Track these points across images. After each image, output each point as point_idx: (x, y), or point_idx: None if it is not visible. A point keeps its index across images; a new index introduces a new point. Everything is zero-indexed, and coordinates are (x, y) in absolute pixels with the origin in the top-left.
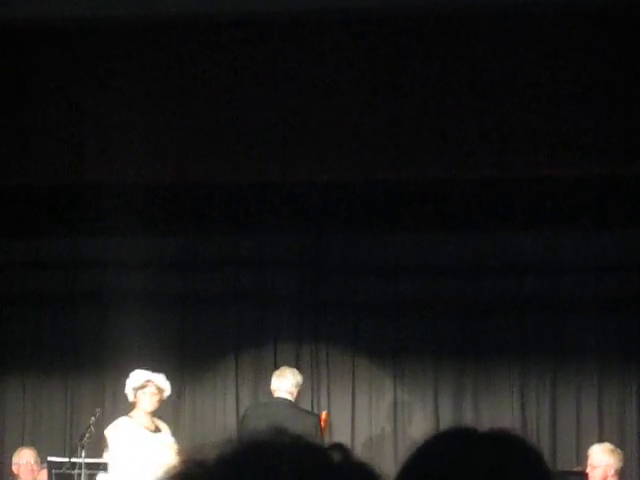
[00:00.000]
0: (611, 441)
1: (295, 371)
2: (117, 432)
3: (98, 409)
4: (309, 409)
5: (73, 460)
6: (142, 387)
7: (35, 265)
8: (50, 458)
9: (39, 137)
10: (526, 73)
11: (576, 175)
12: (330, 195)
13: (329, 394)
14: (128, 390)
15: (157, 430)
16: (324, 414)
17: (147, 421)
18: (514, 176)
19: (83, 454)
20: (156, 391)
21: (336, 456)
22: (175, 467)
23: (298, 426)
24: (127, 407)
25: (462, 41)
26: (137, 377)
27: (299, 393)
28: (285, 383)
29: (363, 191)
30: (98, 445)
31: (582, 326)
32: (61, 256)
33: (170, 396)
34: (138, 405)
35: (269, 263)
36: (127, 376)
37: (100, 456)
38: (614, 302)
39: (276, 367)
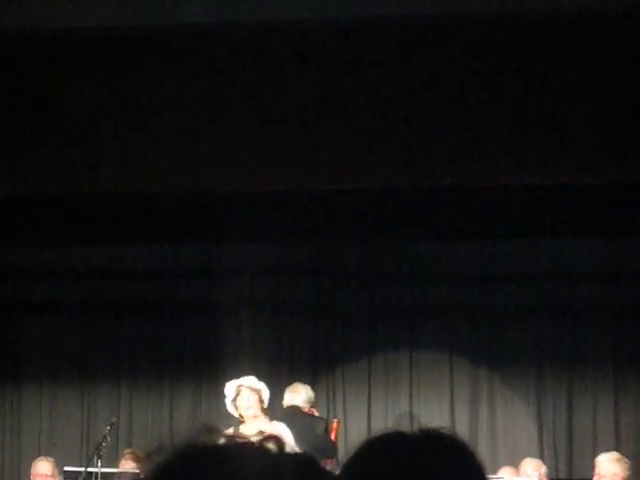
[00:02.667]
0: (627, 448)
1: (307, 387)
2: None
3: (114, 418)
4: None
5: (89, 470)
6: (237, 395)
7: (52, 274)
8: (66, 468)
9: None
10: (538, 78)
11: (593, 182)
12: (345, 203)
13: (345, 402)
14: (229, 406)
15: (260, 435)
16: (335, 422)
17: (250, 429)
18: (530, 184)
19: (99, 463)
20: (250, 392)
21: (272, 448)
22: None
23: (309, 429)
24: (142, 416)
25: (470, 47)
26: (229, 388)
27: (311, 409)
28: (297, 399)
29: (378, 199)
30: (114, 455)
31: (598, 333)
32: (76, 265)
33: None
34: (241, 414)
35: (285, 271)
36: (142, 385)
37: (116, 466)
38: (630, 309)
39: (292, 377)
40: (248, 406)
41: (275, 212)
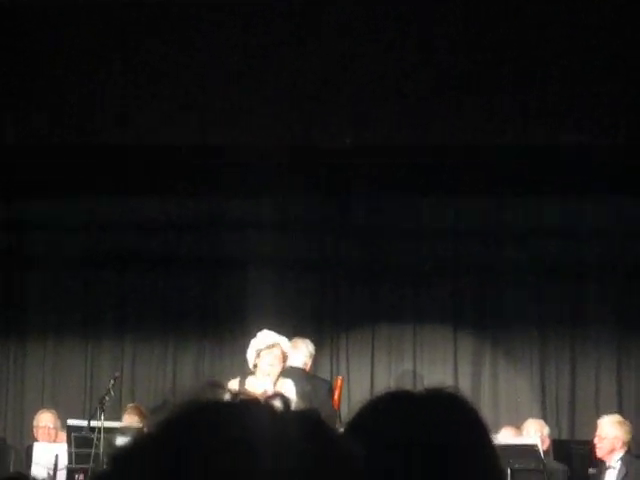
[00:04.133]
0: (629, 410)
1: (307, 341)
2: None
3: (117, 372)
4: (327, 376)
5: (92, 424)
6: (269, 347)
7: (57, 226)
8: (69, 421)
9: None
10: (550, 44)
11: (600, 142)
12: (352, 159)
13: (348, 361)
14: (251, 351)
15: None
16: (339, 379)
17: (260, 384)
18: (537, 143)
19: (102, 417)
20: (281, 356)
21: (278, 406)
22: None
23: (311, 392)
24: (145, 371)
25: (484, 14)
26: (265, 337)
27: (314, 362)
28: (298, 354)
29: (385, 155)
30: (117, 409)
31: (602, 295)
32: (81, 218)
33: None
34: (258, 367)
35: (291, 226)
36: (146, 340)
37: (119, 420)
38: (634, 271)
39: (295, 334)
40: (272, 366)
41: (282, 167)
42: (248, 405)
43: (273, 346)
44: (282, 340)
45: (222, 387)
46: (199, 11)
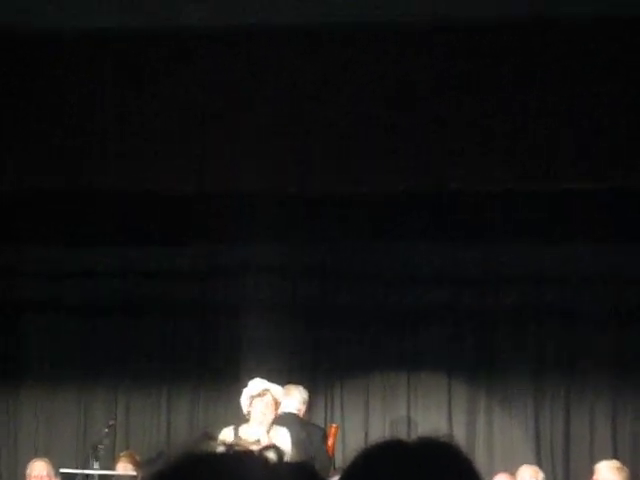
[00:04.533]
0: (624, 458)
1: (301, 388)
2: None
3: (112, 420)
4: (322, 424)
5: (86, 472)
6: (259, 395)
7: (52, 275)
8: (63, 470)
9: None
10: (540, 84)
11: (595, 187)
12: (341, 207)
13: (342, 409)
14: (244, 399)
15: (259, 443)
16: (334, 427)
17: (254, 432)
18: (532, 188)
19: (96, 466)
20: (272, 402)
21: (272, 458)
22: None
23: (306, 439)
24: (139, 419)
25: (470, 52)
26: (256, 385)
27: (308, 410)
28: (292, 400)
29: (375, 202)
30: (111, 457)
31: (597, 341)
32: (76, 266)
33: None
34: (251, 415)
35: (285, 273)
36: (140, 388)
37: (113, 468)
38: (630, 317)
39: (290, 382)
40: (263, 414)
41: (275, 214)
42: (242, 457)
43: (264, 393)
44: (273, 387)
45: (215, 439)
46: (194, 51)
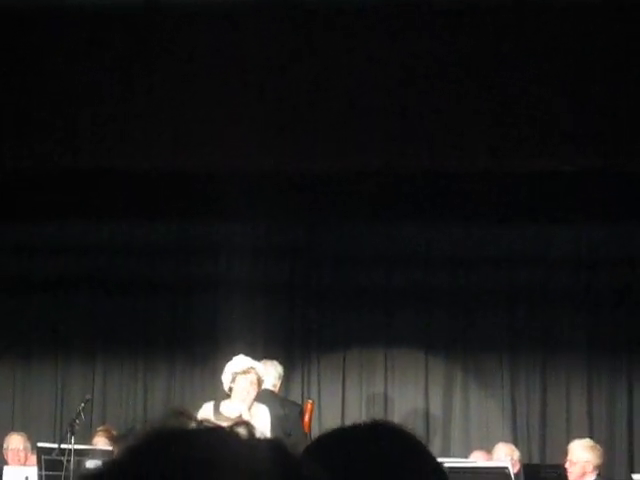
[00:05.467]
0: (600, 435)
1: (275, 363)
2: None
3: (88, 395)
4: (299, 399)
5: (62, 446)
6: (244, 372)
7: (27, 248)
8: (39, 444)
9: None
10: (523, 65)
11: (569, 169)
12: (322, 186)
13: (319, 385)
14: (226, 375)
15: (240, 419)
16: (310, 403)
17: (235, 409)
18: (506, 169)
19: (72, 440)
20: (256, 381)
21: (243, 433)
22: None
23: (282, 416)
24: (116, 393)
25: (459, 32)
26: (241, 362)
27: (285, 386)
28: (267, 376)
29: (355, 182)
30: (88, 431)
31: (572, 320)
32: (52, 240)
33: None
34: (233, 391)
35: (263, 251)
36: (117, 363)
37: (90, 442)
38: (604, 296)
39: (267, 358)
40: (247, 392)
41: (255, 192)
42: (213, 433)
43: (249, 371)
44: (258, 365)
45: (188, 415)
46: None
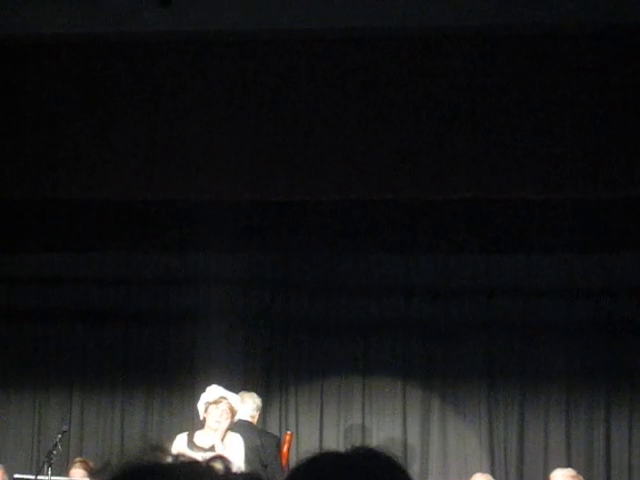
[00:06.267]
0: (578, 466)
1: (254, 395)
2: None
3: (65, 426)
4: (277, 430)
5: (39, 478)
6: (215, 402)
7: (5, 280)
8: (16, 475)
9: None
10: (513, 94)
11: (552, 198)
12: (300, 216)
13: (297, 415)
14: (201, 404)
15: (215, 449)
16: (288, 434)
17: (208, 439)
18: (489, 198)
19: (50, 471)
20: (228, 410)
21: (219, 468)
22: None
23: (259, 447)
24: (93, 425)
25: (446, 63)
26: (213, 392)
27: (261, 416)
28: (246, 408)
29: (333, 212)
30: (64, 463)
31: (551, 350)
32: (31, 272)
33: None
34: (206, 421)
35: (240, 282)
36: (94, 394)
37: (66, 474)
38: (583, 327)
39: (245, 389)
40: (218, 421)
41: (232, 223)
42: (189, 467)
43: (220, 401)
44: (230, 395)
45: (164, 450)
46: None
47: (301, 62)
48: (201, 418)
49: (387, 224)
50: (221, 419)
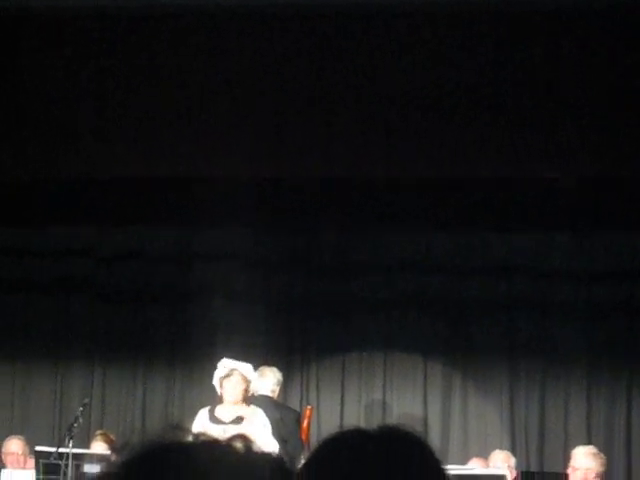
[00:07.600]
0: (598, 443)
1: (275, 369)
2: (192, 424)
3: (87, 399)
4: (298, 405)
5: (60, 450)
6: (227, 376)
7: (28, 253)
8: (37, 448)
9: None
10: (522, 75)
11: (572, 178)
12: (322, 193)
13: (318, 391)
14: (215, 381)
15: (238, 421)
16: (308, 409)
17: (228, 412)
18: (509, 177)
19: (71, 444)
20: (241, 380)
21: (239, 447)
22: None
23: (279, 421)
24: (115, 398)
25: (451, 41)
26: (223, 365)
27: (282, 391)
28: (267, 382)
29: (354, 189)
30: (86, 435)
31: (572, 329)
32: (53, 245)
33: None
34: (223, 396)
35: (261, 259)
36: (116, 367)
37: (87, 447)
38: (604, 306)
39: (266, 364)
40: (233, 392)
41: (253, 199)
42: (209, 447)
43: (230, 374)
44: (240, 365)
45: (184, 429)
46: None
47: (308, 37)
48: (219, 394)
49: (408, 202)
50: (235, 390)
